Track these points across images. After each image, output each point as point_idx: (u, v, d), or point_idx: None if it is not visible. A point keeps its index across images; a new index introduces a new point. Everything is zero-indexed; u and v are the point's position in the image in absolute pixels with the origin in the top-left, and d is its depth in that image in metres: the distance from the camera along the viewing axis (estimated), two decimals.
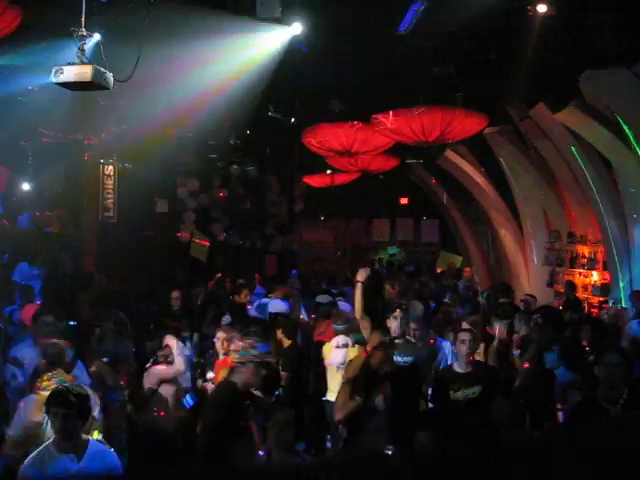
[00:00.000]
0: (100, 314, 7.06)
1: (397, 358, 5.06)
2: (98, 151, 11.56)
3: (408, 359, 5.08)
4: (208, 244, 13.54)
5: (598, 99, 9.11)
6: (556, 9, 7.57)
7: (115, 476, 3.06)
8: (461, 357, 5.11)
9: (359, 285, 5.45)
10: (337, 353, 5.83)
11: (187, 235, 13.61)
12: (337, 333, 6.08)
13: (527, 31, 8.04)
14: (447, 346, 6.19)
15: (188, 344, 6.60)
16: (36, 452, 3.42)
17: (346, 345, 5.86)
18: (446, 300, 9.02)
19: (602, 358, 3.99)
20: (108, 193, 11.91)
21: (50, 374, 4.31)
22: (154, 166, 11.87)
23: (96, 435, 3.95)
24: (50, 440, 3.45)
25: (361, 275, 5.46)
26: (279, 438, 3.69)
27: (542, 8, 7.54)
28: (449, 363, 5.60)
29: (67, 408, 3.41)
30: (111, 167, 11.96)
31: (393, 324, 5.36)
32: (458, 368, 5.08)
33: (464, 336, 5.11)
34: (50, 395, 3.53)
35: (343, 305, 8.11)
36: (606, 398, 3.88)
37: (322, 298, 7.30)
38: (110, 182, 11.95)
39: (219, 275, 11.68)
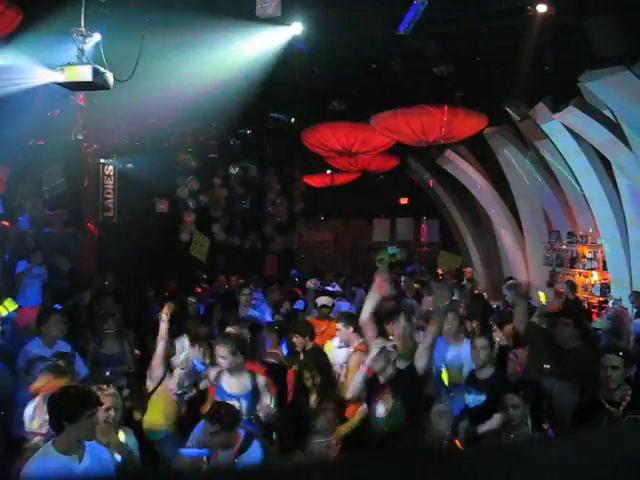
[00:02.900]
0: (97, 315, 7.06)
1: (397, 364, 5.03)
2: (98, 151, 11.55)
3: (407, 364, 5.04)
4: (208, 244, 13.52)
5: (598, 99, 9.11)
6: (556, 9, 7.56)
7: (114, 476, 3.06)
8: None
9: (375, 296, 5.33)
10: (339, 353, 5.80)
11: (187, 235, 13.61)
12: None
13: (527, 31, 8.04)
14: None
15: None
16: (38, 453, 3.40)
17: (345, 346, 5.84)
18: (454, 298, 9.00)
19: (601, 360, 3.97)
20: (108, 193, 11.90)
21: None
22: (154, 166, 11.86)
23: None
24: (50, 442, 3.43)
25: (383, 288, 5.33)
26: None
27: (542, 8, 7.54)
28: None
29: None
30: (111, 167, 11.96)
31: (396, 330, 5.33)
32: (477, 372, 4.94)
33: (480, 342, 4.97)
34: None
35: (344, 305, 8.10)
36: (608, 400, 3.86)
37: (323, 300, 7.28)
38: (110, 182, 11.95)
39: (222, 276, 11.68)
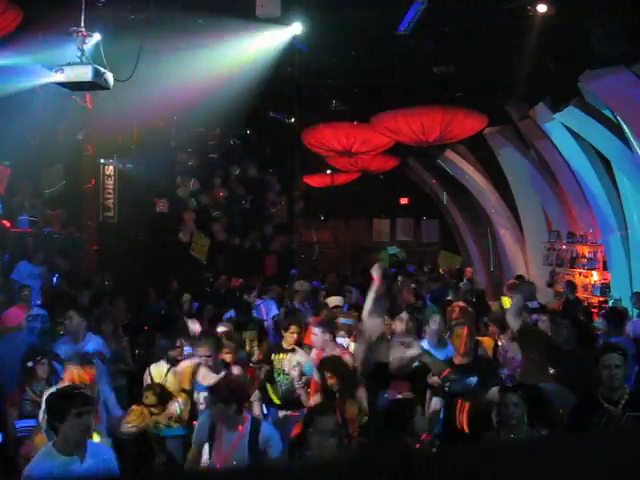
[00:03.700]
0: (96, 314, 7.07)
1: None
2: (98, 151, 11.55)
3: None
4: (208, 244, 13.53)
5: (598, 99, 9.11)
6: (556, 9, 7.56)
7: (117, 476, 3.06)
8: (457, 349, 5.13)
9: (375, 283, 5.40)
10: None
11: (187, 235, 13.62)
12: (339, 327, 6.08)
13: (527, 31, 8.04)
14: None
15: None
16: (39, 454, 3.40)
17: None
18: (449, 298, 9.04)
19: (603, 359, 3.96)
20: (108, 193, 11.89)
21: None
22: (154, 166, 11.86)
23: (95, 437, 3.92)
24: (51, 442, 3.43)
25: (377, 272, 5.39)
26: None
27: (542, 8, 7.54)
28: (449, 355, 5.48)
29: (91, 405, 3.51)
30: (111, 167, 11.95)
31: (399, 326, 5.35)
32: (456, 360, 5.10)
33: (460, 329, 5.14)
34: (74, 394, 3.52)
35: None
36: (607, 399, 3.87)
37: (335, 300, 7.26)
38: (110, 182, 11.94)
39: (224, 276, 11.70)
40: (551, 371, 5.07)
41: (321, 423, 3.51)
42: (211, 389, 4.08)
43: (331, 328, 5.66)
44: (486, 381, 4.73)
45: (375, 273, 5.37)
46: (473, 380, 4.81)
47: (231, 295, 10.39)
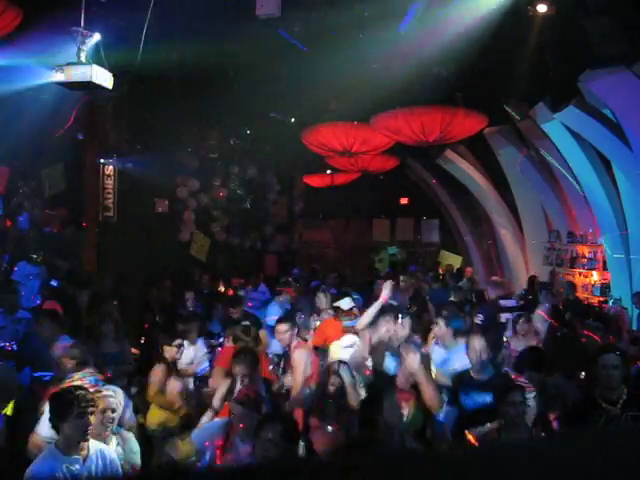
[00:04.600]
0: (97, 314, 7.08)
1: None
2: (98, 151, 11.56)
3: None
4: (208, 244, 13.55)
5: (598, 99, 9.11)
6: (556, 9, 7.56)
7: (119, 477, 3.06)
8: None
9: (380, 303, 5.44)
10: (344, 353, 5.79)
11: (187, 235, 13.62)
12: (345, 330, 6.07)
13: (527, 31, 8.04)
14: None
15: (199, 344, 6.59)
16: (42, 455, 3.40)
17: (352, 345, 5.84)
18: (452, 299, 9.03)
19: (600, 360, 3.98)
20: (108, 193, 11.90)
21: (81, 373, 4.37)
22: (154, 166, 11.88)
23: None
24: (54, 443, 3.43)
25: (387, 290, 5.43)
26: None
27: (542, 8, 7.54)
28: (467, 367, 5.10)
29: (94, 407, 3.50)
30: (111, 167, 11.96)
31: (400, 331, 5.34)
32: (473, 373, 4.84)
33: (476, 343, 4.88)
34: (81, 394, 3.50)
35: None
36: (605, 399, 3.88)
37: (344, 302, 7.25)
38: (110, 182, 11.95)
39: (206, 276, 11.64)
40: (583, 374, 5.07)
41: (265, 431, 3.49)
42: (240, 400, 4.02)
43: (294, 323, 5.72)
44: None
45: (385, 291, 5.43)
46: (487, 398, 4.50)
47: (215, 295, 10.30)
